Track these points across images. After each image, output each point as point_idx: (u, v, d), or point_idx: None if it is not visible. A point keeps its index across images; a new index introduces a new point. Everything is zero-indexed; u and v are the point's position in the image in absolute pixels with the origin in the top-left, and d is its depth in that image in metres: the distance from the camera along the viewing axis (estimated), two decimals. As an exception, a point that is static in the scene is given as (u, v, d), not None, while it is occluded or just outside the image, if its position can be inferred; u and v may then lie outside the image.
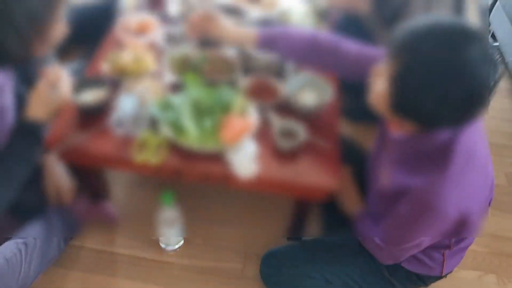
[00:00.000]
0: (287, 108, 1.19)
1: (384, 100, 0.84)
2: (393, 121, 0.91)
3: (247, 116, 1.12)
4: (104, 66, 1.23)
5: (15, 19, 0.87)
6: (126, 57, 1.22)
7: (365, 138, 1.38)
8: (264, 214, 1.50)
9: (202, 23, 1.16)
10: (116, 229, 1.44)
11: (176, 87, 1.20)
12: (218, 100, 1.13)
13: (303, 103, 1.18)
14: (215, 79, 1.21)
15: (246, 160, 1.07)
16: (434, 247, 1.03)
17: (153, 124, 1.12)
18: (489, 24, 2.23)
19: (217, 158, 1.09)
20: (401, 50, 0.78)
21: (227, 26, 1.15)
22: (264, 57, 1.25)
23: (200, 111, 1.11)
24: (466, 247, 1.10)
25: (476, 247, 1.48)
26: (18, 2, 0.86)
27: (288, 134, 1.12)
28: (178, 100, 1.13)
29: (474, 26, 0.76)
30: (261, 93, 1.20)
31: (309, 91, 1.20)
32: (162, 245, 1.39)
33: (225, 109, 1.12)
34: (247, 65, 1.27)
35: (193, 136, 1.08)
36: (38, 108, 0.99)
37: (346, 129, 1.52)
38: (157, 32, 1.34)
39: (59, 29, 0.98)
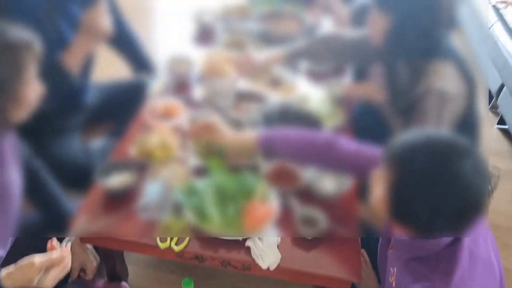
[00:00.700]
0: (307, 194, 1.21)
1: (383, 206, 0.86)
2: (393, 224, 0.92)
3: (269, 203, 1.15)
4: (131, 149, 1.28)
5: None
6: (152, 141, 1.28)
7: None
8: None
9: (204, 133, 1.21)
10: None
11: (201, 171, 1.24)
12: (241, 186, 1.16)
13: (323, 189, 1.21)
14: (238, 163, 1.25)
15: (267, 248, 1.09)
16: None
17: (177, 209, 1.15)
18: (497, 107, 2.31)
19: (239, 244, 1.10)
20: (396, 162, 0.82)
21: (228, 133, 1.20)
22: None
23: (223, 197, 1.14)
24: None
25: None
26: None
27: (309, 221, 1.14)
28: (202, 185, 1.17)
29: (466, 141, 0.80)
30: (282, 179, 1.24)
31: (329, 177, 1.24)
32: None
33: (247, 195, 1.15)
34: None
35: (216, 223, 1.10)
36: (13, 282, 0.90)
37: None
38: (183, 116, 1.40)
39: (33, 91, 0.96)
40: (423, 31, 1.17)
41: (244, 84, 1.52)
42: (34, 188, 1.20)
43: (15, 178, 1.07)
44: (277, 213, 1.14)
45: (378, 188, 0.87)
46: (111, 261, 1.35)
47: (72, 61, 1.27)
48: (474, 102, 1.24)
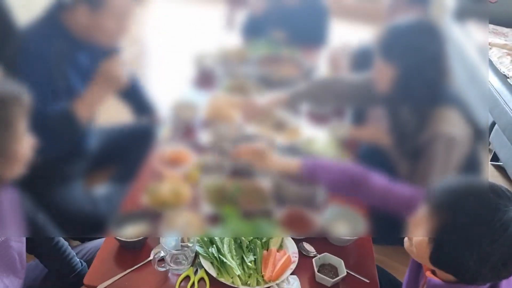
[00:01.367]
0: (322, 240, 1.22)
1: (424, 251, 0.87)
2: (432, 269, 0.93)
3: (286, 250, 1.15)
4: (143, 198, 1.27)
5: None
6: (164, 190, 1.27)
7: (394, 261, 1.41)
8: None
9: (253, 157, 1.24)
10: None
11: (215, 219, 1.24)
12: (257, 234, 1.16)
13: (338, 234, 1.22)
14: (251, 210, 1.25)
15: (288, 297, 1.08)
16: None
17: (195, 260, 1.13)
18: (489, 144, 2.40)
19: (259, 294, 1.09)
20: (440, 209, 0.83)
21: (275, 159, 1.24)
22: (295, 187, 1.32)
23: (240, 247, 1.14)
24: None
25: None
26: None
27: (327, 269, 1.14)
28: (218, 234, 1.16)
29: (505, 188, 0.82)
30: (296, 224, 1.24)
31: (343, 222, 1.25)
32: None
33: (265, 244, 1.15)
34: (279, 195, 1.32)
35: (235, 274, 1.09)
36: None
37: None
38: (191, 162, 1.40)
39: (25, 145, 0.93)
40: (428, 80, 1.23)
41: (249, 129, 1.54)
42: (40, 243, 1.17)
43: (17, 237, 1.04)
44: (295, 260, 1.14)
45: (419, 233, 0.87)
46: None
47: (84, 110, 1.27)
48: (478, 143, 1.29)
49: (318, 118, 1.66)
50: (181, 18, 2.10)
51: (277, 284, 1.08)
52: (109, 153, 1.62)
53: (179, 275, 1.11)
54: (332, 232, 1.22)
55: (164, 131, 1.53)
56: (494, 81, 2.34)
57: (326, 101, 1.62)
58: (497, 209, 0.78)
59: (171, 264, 1.11)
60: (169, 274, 1.12)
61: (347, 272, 1.13)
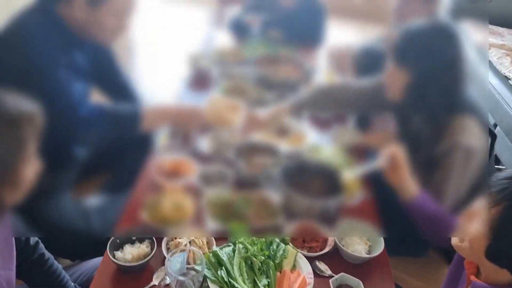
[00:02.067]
0: (337, 258, 1.16)
1: (480, 245, 0.82)
2: (485, 268, 0.88)
3: (300, 271, 1.08)
4: (142, 214, 1.17)
5: None
6: (165, 205, 1.17)
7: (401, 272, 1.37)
8: None
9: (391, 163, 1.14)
10: None
11: (221, 235, 1.15)
12: (269, 254, 1.09)
13: (354, 254, 1.15)
14: (260, 226, 1.17)
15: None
16: None
17: (202, 283, 1.05)
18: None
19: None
20: (503, 196, 0.79)
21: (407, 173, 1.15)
22: (306, 199, 1.24)
23: (252, 269, 1.06)
24: None
25: None
26: None
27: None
28: (227, 254, 1.08)
29: None
30: (308, 241, 1.17)
31: (359, 241, 1.18)
32: None
33: (278, 264, 1.07)
34: (289, 208, 1.25)
35: (249, 298, 1.02)
36: None
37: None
38: (192, 173, 1.31)
39: (32, 169, 0.83)
40: (445, 86, 1.17)
41: (252, 135, 1.46)
42: (31, 267, 1.07)
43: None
44: (311, 280, 1.07)
45: (473, 227, 0.82)
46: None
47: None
48: (492, 152, 1.24)
49: (320, 123, 1.59)
50: (171, 18, 1.98)
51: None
52: (101, 159, 1.52)
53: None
54: (348, 251, 1.15)
55: (162, 138, 1.43)
56: (495, 83, 2.32)
57: (332, 109, 1.55)
58: None
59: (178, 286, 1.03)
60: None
61: (364, 291, 1.07)
